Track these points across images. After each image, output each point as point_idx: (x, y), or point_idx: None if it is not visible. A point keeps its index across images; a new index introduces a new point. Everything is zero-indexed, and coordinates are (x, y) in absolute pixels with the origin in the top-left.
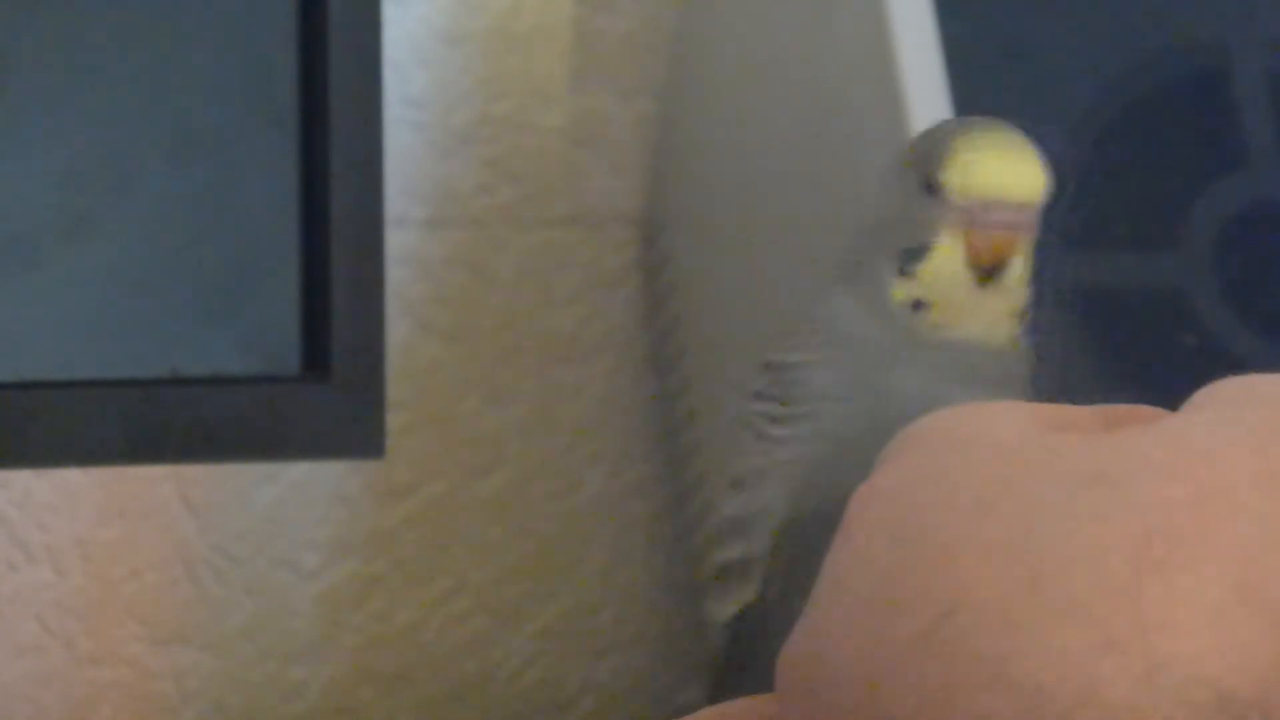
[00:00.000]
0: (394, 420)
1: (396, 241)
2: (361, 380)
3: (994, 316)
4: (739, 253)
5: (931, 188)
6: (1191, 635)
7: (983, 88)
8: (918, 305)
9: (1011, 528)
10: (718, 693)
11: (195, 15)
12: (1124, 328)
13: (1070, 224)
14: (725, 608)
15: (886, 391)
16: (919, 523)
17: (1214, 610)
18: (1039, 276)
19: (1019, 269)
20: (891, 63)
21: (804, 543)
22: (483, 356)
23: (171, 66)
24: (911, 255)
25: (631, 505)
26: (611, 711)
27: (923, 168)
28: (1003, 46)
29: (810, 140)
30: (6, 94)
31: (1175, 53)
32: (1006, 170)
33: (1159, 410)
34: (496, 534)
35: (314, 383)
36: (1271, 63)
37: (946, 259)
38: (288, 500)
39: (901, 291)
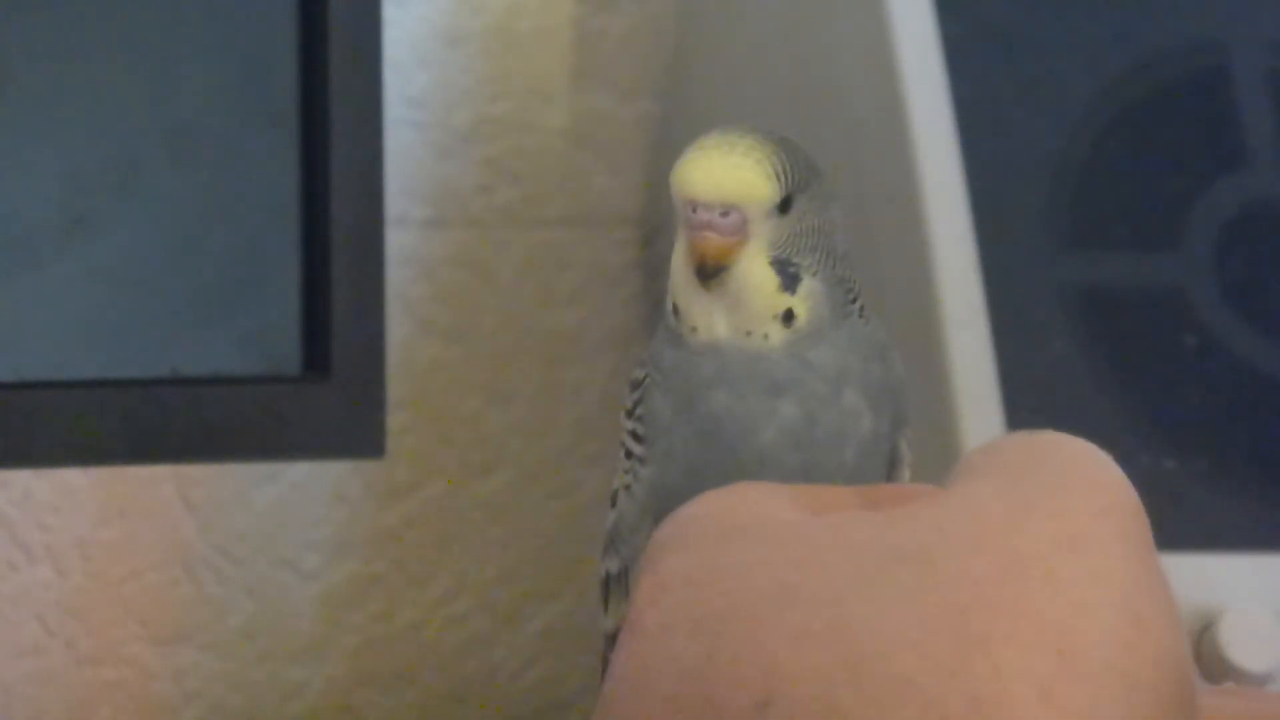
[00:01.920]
0: (394, 420)
1: (396, 241)
2: (361, 380)
3: (742, 322)
4: None
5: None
6: (1025, 712)
7: (983, 88)
8: (674, 308)
9: (819, 612)
10: None
11: (195, 15)
12: (1124, 328)
13: (1070, 224)
14: (609, 620)
15: (702, 413)
16: (718, 613)
17: (1043, 683)
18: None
19: (758, 276)
20: (891, 63)
21: None
22: (483, 356)
23: (171, 66)
24: (668, 257)
25: None
26: None
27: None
28: (1003, 46)
29: (810, 140)
30: (7, 94)
31: (1175, 53)
32: (716, 173)
33: (924, 486)
34: (496, 534)
35: (314, 383)
36: (1271, 63)
37: (678, 258)
38: (288, 500)
39: (669, 296)
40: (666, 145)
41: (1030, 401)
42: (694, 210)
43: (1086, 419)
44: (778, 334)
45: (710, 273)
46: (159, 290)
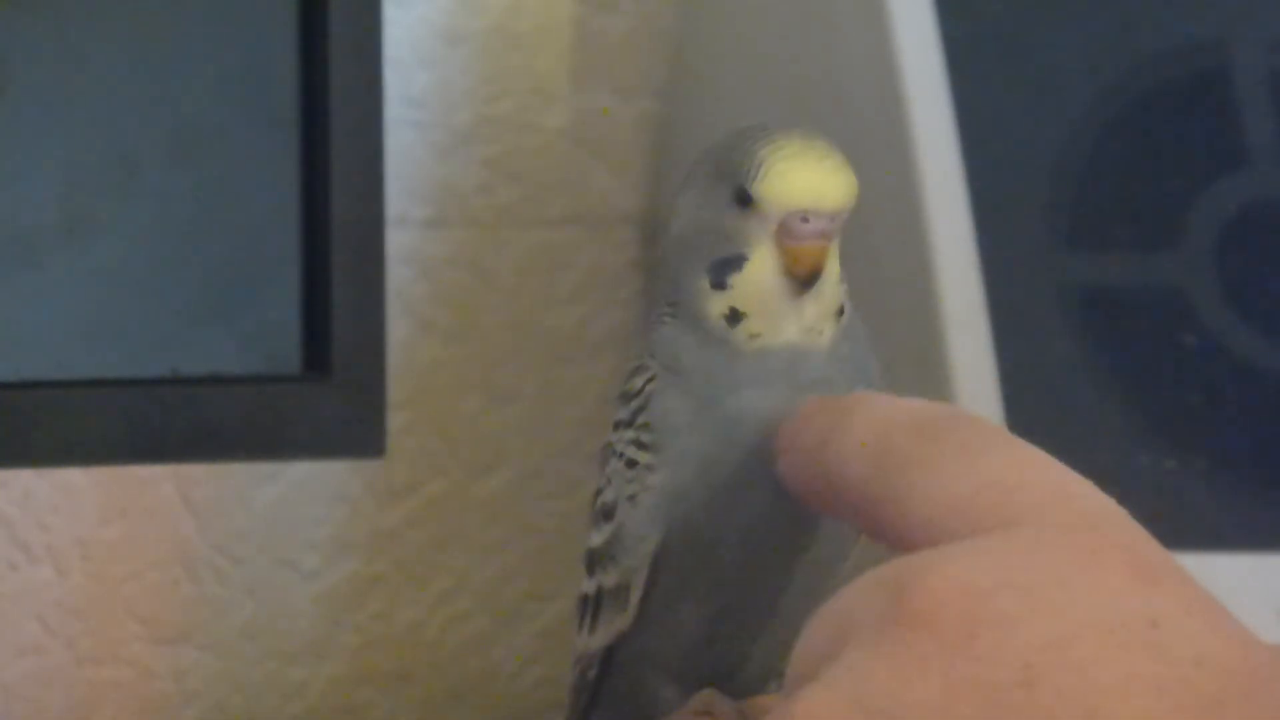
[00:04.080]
0: (394, 420)
1: (396, 241)
2: (361, 380)
3: (811, 321)
4: None
5: (743, 200)
6: None
7: (983, 88)
8: (733, 316)
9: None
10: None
11: (195, 15)
12: (1124, 328)
13: (1070, 224)
14: (598, 636)
15: (728, 411)
16: None
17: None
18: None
19: (834, 272)
20: (891, 63)
21: (675, 566)
22: (483, 356)
23: (171, 66)
24: (725, 267)
25: None
26: None
27: (732, 181)
28: (1003, 46)
29: None
30: (7, 94)
31: (1175, 53)
32: (818, 180)
33: None
34: (496, 534)
35: (314, 383)
36: (1271, 63)
37: (761, 270)
38: (288, 500)
39: (717, 304)
40: (667, 145)
41: (1030, 401)
42: (804, 220)
43: (1086, 419)
44: (830, 329)
45: (814, 278)
46: (159, 290)
